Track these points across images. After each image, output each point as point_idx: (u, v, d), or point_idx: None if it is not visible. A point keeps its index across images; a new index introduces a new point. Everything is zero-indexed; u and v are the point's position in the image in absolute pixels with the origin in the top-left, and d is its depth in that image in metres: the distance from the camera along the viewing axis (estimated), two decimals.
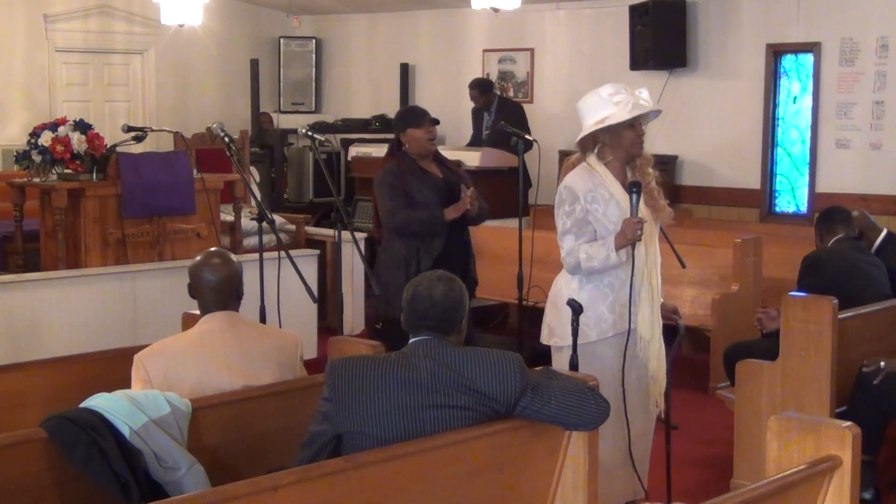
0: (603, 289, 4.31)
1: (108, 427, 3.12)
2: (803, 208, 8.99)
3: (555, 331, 4.38)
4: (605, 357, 4.29)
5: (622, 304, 4.27)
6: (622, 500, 4.47)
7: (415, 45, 11.62)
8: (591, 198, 4.27)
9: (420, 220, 5.32)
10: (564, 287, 4.37)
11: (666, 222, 4.49)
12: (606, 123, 4.23)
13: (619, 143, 4.29)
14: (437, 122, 5.50)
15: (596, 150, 4.32)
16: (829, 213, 5.78)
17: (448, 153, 8.78)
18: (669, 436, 4.51)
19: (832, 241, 5.57)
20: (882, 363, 4.85)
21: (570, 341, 4.14)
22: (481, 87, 9.77)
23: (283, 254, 5.07)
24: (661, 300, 4.43)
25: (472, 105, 9.97)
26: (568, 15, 10.39)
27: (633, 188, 4.21)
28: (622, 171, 4.35)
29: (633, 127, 4.28)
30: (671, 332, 4.50)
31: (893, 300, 5.39)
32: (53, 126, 7.00)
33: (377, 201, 5.50)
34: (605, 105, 4.24)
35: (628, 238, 4.17)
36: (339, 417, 3.14)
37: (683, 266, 4.92)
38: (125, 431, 3.14)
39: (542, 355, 7.15)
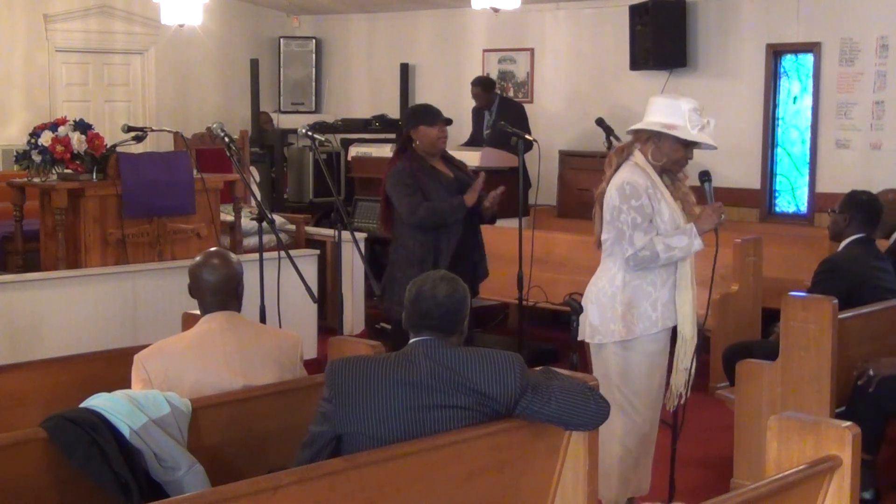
0: (646, 287, 4.42)
1: (108, 427, 3.12)
2: (803, 208, 8.97)
3: (597, 328, 4.47)
4: (647, 352, 4.44)
5: (664, 302, 4.43)
6: (631, 494, 4.55)
7: (415, 45, 11.61)
8: (650, 195, 4.38)
9: (443, 209, 5.41)
10: (608, 284, 4.46)
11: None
12: (673, 133, 4.37)
13: (667, 153, 4.43)
14: (450, 121, 5.58)
15: (650, 151, 4.42)
16: (873, 205, 5.45)
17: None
18: (676, 435, 4.54)
19: (850, 239, 5.40)
20: (871, 371, 4.84)
21: (614, 338, 4.38)
22: (484, 86, 9.77)
23: (283, 254, 5.07)
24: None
25: (472, 104, 9.96)
26: (568, 15, 10.38)
27: (704, 177, 4.46)
28: (660, 176, 4.48)
29: (687, 148, 4.44)
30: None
31: (894, 301, 5.37)
32: (53, 126, 6.99)
33: (394, 202, 5.51)
34: (679, 115, 4.38)
35: (713, 223, 4.37)
36: (340, 418, 3.14)
37: None
38: (125, 431, 3.14)
39: (543, 355, 7.14)
